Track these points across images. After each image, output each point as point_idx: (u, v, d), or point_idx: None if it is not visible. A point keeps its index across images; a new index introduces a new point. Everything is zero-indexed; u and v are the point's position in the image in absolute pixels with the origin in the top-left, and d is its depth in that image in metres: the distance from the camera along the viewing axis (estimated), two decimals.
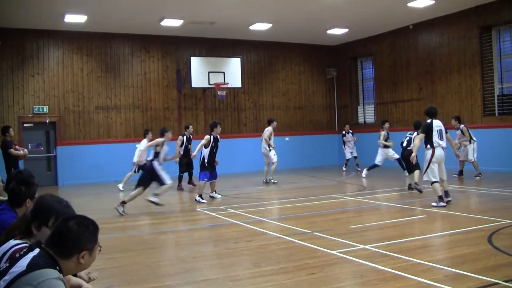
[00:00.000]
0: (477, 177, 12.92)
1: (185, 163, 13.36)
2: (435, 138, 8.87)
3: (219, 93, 17.11)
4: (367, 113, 20.14)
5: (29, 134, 15.90)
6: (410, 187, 11.38)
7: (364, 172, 14.54)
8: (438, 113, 9.38)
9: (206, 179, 10.89)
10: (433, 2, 14.17)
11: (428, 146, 8.93)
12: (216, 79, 17.20)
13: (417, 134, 10.29)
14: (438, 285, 4.41)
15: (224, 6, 14.05)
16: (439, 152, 8.87)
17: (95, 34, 16.58)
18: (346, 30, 17.76)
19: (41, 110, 15.86)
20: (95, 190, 14.11)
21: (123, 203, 9.42)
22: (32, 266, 2.28)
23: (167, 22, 15.44)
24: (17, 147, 11.71)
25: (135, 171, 13.70)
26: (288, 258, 5.75)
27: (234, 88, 18.07)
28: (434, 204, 8.79)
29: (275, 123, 14.34)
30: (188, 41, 17.95)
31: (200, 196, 10.80)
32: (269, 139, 14.04)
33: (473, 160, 13.09)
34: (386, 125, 13.81)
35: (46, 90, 16.05)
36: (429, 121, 9.08)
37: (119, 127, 17.03)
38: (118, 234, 7.70)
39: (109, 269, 5.48)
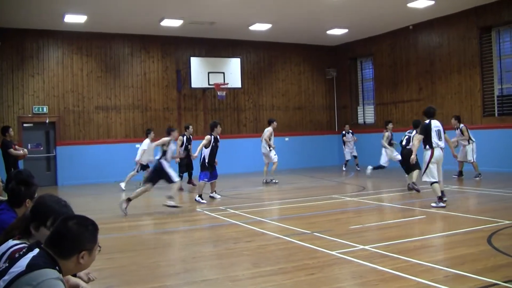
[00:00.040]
0: (477, 178, 12.91)
1: (185, 163, 13.37)
2: (434, 138, 8.87)
3: (219, 93, 17.12)
4: (367, 114, 20.14)
5: (29, 134, 15.90)
6: (409, 188, 11.38)
7: (369, 170, 14.10)
8: (436, 113, 9.37)
9: (206, 179, 10.90)
10: (433, 2, 14.18)
11: (427, 146, 8.92)
12: (216, 79, 17.21)
13: (416, 132, 10.29)
14: (437, 286, 4.41)
15: (224, 7, 14.05)
16: (438, 152, 8.87)
17: (95, 34, 16.59)
18: (346, 30, 17.77)
19: (40, 110, 15.87)
20: (95, 190, 14.10)
21: (129, 200, 9.49)
22: (32, 266, 2.28)
23: (167, 22, 15.44)
24: (16, 147, 11.70)
25: (137, 171, 13.77)
26: (287, 259, 5.75)
27: (234, 89, 18.07)
28: (433, 204, 8.79)
29: (275, 123, 14.35)
30: (188, 41, 17.95)
31: (200, 196, 10.81)
32: (269, 139, 14.05)
33: (472, 160, 13.08)
34: (390, 125, 13.53)
35: (46, 90, 16.06)
36: (427, 121, 9.07)
37: (119, 127, 17.03)
38: (117, 234, 7.69)
39: (109, 269, 5.47)
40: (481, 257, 5.38)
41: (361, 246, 6.06)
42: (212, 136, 10.91)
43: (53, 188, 14.89)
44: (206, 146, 10.84)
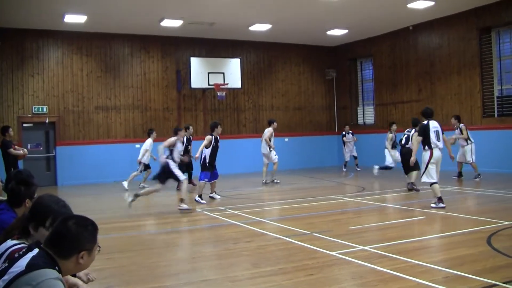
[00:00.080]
0: (477, 179, 12.90)
1: (185, 163, 13.36)
2: (433, 139, 8.87)
3: (218, 93, 17.12)
4: (367, 114, 20.15)
5: (29, 134, 15.89)
6: (409, 188, 11.38)
7: (376, 169, 13.78)
8: (434, 113, 9.37)
9: (207, 179, 10.92)
10: (433, 3, 14.18)
11: (426, 147, 8.92)
12: (216, 79, 17.21)
13: (415, 131, 10.28)
14: (437, 287, 4.41)
15: (224, 7, 14.06)
16: (437, 153, 8.88)
17: (94, 34, 16.58)
18: (346, 31, 17.77)
19: (40, 110, 15.86)
20: (94, 190, 14.10)
21: (136, 195, 9.58)
22: (31, 266, 2.28)
23: (167, 23, 15.44)
24: (16, 147, 11.70)
25: (140, 171, 13.85)
26: (287, 259, 5.75)
27: (234, 89, 18.08)
28: (433, 205, 8.79)
29: (275, 124, 14.35)
30: (187, 42, 17.95)
31: (200, 196, 10.82)
32: (270, 140, 14.07)
33: (471, 161, 13.06)
34: (394, 127, 13.21)
35: (46, 90, 16.05)
36: (425, 122, 9.07)
37: (119, 128, 17.02)
38: (117, 234, 7.69)
39: (108, 269, 5.47)
40: (480, 258, 5.38)
41: (361, 247, 6.06)
42: (213, 136, 10.93)
43: (52, 188, 14.88)
44: (207, 146, 10.86)
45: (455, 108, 15.63)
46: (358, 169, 17.37)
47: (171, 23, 15.52)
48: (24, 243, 2.72)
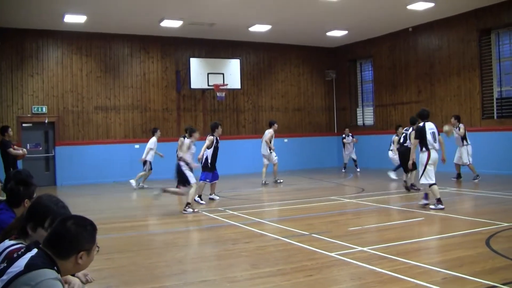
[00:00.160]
0: (475, 180, 12.89)
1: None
2: (430, 140, 8.88)
3: (218, 94, 17.12)
4: (366, 115, 20.15)
5: (28, 134, 15.88)
6: (408, 189, 11.39)
7: (392, 174, 13.81)
8: (430, 115, 9.38)
9: (208, 180, 10.94)
10: (433, 4, 14.18)
11: (424, 149, 8.94)
12: (215, 80, 17.20)
13: (413, 129, 10.30)
14: None
15: (224, 8, 14.07)
16: (434, 154, 8.90)
17: (94, 35, 16.58)
18: (346, 32, 17.78)
19: (40, 110, 15.85)
20: (94, 191, 14.09)
21: (164, 191, 9.68)
22: (30, 266, 2.28)
23: (167, 23, 15.44)
24: (15, 147, 11.69)
25: (148, 170, 13.95)
26: (286, 260, 5.75)
27: (233, 90, 18.07)
28: (432, 206, 8.80)
29: (276, 125, 14.36)
30: (187, 42, 17.95)
31: (199, 197, 10.81)
32: (270, 142, 14.08)
33: (468, 163, 13.05)
34: (400, 129, 12.69)
35: (45, 90, 16.05)
36: (421, 124, 9.08)
37: (118, 128, 17.02)
38: (116, 235, 7.69)
39: (107, 269, 5.47)
40: (479, 259, 5.39)
41: (360, 248, 6.06)
42: (214, 137, 10.95)
43: (52, 188, 14.87)
44: (208, 147, 10.88)
45: (454, 110, 15.62)
46: (358, 170, 17.39)
47: (171, 24, 15.52)
48: (21, 243, 2.71)
